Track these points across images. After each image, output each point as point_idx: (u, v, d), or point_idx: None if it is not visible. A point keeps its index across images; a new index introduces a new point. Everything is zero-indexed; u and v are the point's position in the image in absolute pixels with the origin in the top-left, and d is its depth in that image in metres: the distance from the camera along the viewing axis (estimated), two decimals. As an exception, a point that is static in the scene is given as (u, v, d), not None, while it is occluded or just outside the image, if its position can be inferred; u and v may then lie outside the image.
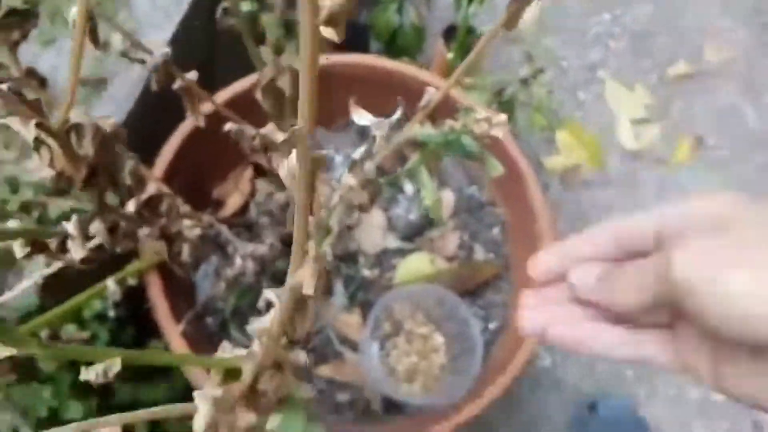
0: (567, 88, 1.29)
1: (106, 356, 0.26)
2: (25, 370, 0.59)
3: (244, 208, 0.76)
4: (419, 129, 0.49)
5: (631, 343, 0.33)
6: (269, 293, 0.35)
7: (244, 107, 0.55)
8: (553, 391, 1.09)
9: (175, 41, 0.73)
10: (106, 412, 0.81)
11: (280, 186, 0.76)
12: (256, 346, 0.28)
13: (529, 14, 0.52)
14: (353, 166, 0.42)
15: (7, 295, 0.60)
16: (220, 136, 0.70)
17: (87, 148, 0.33)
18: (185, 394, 0.85)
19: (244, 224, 0.69)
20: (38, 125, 0.30)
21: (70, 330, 0.63)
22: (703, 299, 0.28)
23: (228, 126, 0.44)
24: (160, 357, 0.36)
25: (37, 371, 0.66)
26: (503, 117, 0.44)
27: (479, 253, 0.81)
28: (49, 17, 0.71)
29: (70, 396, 0.67)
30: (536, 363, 1.11)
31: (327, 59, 0.71)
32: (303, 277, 0.21)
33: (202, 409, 0.25)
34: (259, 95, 0.46)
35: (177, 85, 0.39)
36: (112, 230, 0.42)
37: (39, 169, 0.32)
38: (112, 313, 0.71)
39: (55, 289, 0.59)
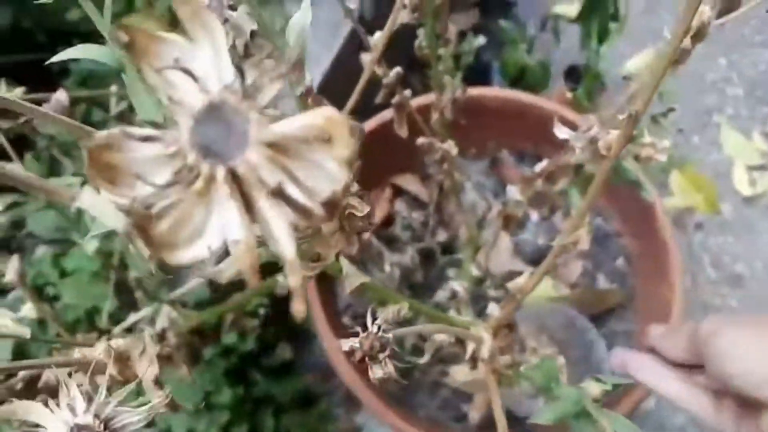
0: (682, 132, 1.30)
1: (396, 300, 0.32)
2: (191, 352, 0.67)
3: (381, 225, 0.82)
4: (579, 153, 0.53)
5: (692, 398, 0.45)
6: (455, 284, 0.40)
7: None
8: (658, 433, 1.07)
9: (333, 69, 0.81)
10: (248, 401, 0.88)
11: (417, 206, 0.82)
12: (493, 308, 0.33)
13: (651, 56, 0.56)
14: (526, 180, 0.47)
15: (186, 287, 0.69)
16: (367, 158, 0.77)
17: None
18: (305, 392, 0.91)
19: (386, 237, 0.75)
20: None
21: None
22: (708, 350, 0.39)
23: (420, 140, 0.50)
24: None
25: (200, 356, 0.73)
26: (667, 142, 0.48)
27: (602, 283, 0.83)
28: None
29: (223, 383, 0.74)
30: (640, 405, 1.10)
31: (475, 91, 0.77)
32: (579, 235, 0.26)
33: (486, 338, 0.30)
34: (435, 114, 0.52)
35: (395, 100, 0.45)
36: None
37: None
38: (262, 311, 0.78)
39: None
